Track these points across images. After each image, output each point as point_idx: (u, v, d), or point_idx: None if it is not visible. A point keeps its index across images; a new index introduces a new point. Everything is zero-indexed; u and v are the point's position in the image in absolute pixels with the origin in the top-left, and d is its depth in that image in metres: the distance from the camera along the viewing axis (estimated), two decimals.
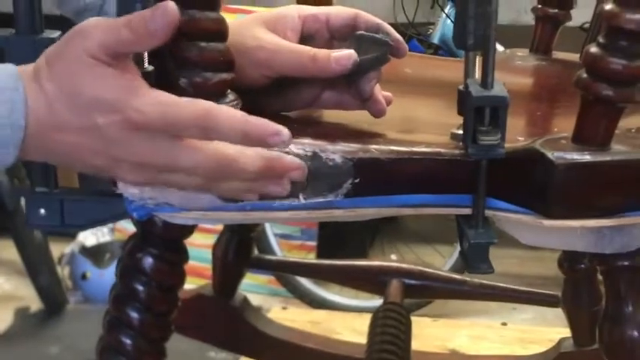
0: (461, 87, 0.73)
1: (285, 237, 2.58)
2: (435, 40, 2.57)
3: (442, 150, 0.74)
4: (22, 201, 2.13)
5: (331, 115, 0.83)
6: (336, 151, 0.73)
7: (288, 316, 1.93)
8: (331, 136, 0.75)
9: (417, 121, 0.88)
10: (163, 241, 0.83)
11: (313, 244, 2.60)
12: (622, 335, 0.77)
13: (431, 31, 2.60)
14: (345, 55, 0.77)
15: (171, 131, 0.64)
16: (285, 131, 0.64)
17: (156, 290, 0.83)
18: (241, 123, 0.64)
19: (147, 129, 0.63)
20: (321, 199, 0.73)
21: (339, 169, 0.73)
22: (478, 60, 0.71)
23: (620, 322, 0.77)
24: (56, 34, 0.75)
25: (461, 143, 0.73)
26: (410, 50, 0.84)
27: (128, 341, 0.83)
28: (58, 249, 2.55)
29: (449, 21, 2.57)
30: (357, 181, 0.73)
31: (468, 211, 0.74)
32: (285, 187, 0.69)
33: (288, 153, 0.72)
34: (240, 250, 1.26)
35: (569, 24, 1.16)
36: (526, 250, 2.17)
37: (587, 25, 1.15)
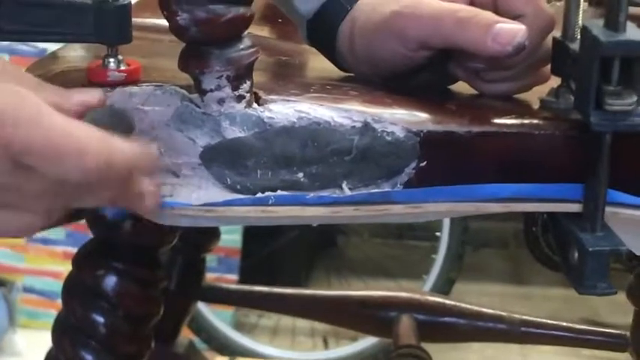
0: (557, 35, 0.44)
1: None
2: None
3: (541, 122, 0.43)
4: None
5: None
6: (396, 122, 0.43)
7: None
8: (389, 101, 0.43)
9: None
10: (133, 251, 0.49)
11: (234, 277, 2.17)
12: None
13: None
14: (510, 32, 0.46)
15: None
16: None
17: (121, 322, 0.49)
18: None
19: None
20: (373, 190, 0.42)
21: (401, 148, 0.43)
22: None
23: None
24: None
25: (555, 113, 0.44)
26: None
27: None
28: None
29: None
30: (423, 164, 0.46)
31: (576, 207, 0.43)
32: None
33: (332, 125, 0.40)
34: (187, 275, 0.91)
35: None
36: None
37: None
